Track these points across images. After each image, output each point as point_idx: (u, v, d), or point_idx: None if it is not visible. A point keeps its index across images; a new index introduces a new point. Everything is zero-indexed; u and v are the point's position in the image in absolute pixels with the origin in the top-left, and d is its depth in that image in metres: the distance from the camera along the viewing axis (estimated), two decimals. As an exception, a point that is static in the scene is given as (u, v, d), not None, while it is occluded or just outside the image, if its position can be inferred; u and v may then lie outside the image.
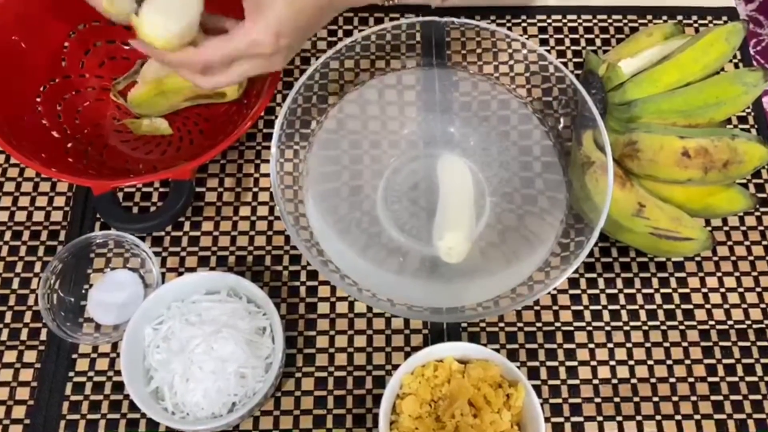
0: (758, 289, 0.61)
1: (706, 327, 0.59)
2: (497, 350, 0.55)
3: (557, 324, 0.59)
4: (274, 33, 0.50)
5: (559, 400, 0.56)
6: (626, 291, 0.60)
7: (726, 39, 0.57)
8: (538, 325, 0.59)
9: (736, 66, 0.71)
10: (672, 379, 0.57)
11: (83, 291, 0.59)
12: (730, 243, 0.62)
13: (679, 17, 0.73)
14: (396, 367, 0.53)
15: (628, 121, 0.57)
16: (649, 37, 0.61)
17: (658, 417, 0.56)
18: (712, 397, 0.57)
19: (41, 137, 0.61)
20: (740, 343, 0.59)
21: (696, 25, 0.73)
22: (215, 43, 0.51)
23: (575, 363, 0.58)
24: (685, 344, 0.58)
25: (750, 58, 0.71)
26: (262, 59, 0.52)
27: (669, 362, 0.58)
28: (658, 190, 0.56)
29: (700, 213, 0.57)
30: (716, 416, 0.56)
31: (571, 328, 0.59)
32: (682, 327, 0.59)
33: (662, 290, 0.60)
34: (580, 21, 0.73)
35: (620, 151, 0.56)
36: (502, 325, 0.59)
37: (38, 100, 0.63)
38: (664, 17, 0.73)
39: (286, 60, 0.54)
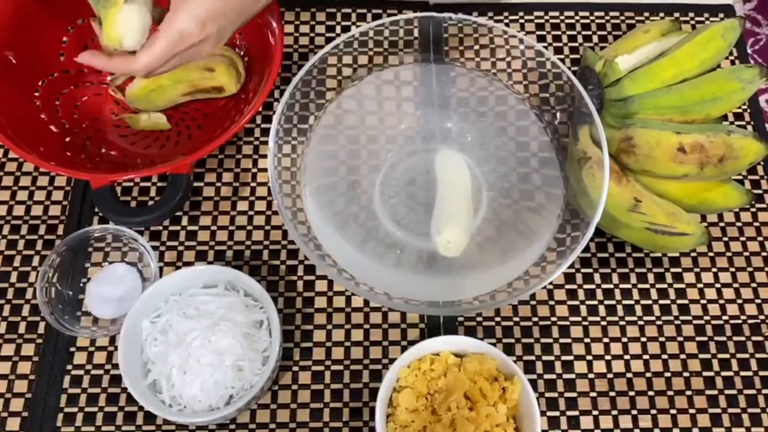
0: (753, 285, 0.61)
1: (702, 322, 0.59)
2: (494, 344, 0.56)
3: (553, 319, 0.59)
4: (199, 21, 0.50)
5: (555, 394, 0.57)
6: (622, 286, 0.61)
7: (722, 35, 0.57)
8: (535, 319, 0.59)
9: (733, 63, 0.71)
10: (667, 374, 0.57)
11: (81, 285, 0.60)
12: (725, 239, 0.63)
13: (676, 14, 0.73)
14: (393, 361, 0.53)
15: (624, 116, 0.57)
16: (646, 34, 0.61)
17: (654, 411, 0.56)
18: (707, 392, 0.57)
19: (39, 131, 0.61)
20: (735, 338, 0.59)
21: (693, 22, 0.73)
22: (150, 50, 0.50)
23: (571, 357, 0.58)
24: (680, 339, 0.59)
25: (746, 55, 0.71)
26: (193, 48, 0.52)
27: (664, 357, 0.58)
28: (654, 186, 0.56)
29: (696, 208, 0.58)
30: (711, 410, 0.56)
31: (567, 323, 0.59)
32: (677, 322, 0.59)
33: (658, 285, 0.61)
34: (577, 18, 0.73)
35: (616, 146, 0.56)
36: (498, 319, 0.59)
37: (36, 94, 0.63)
38: (661, 14, 0.73)
39: (217, 45, 0.53)
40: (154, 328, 0.54)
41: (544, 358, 0.58)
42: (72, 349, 0.57)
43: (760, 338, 0.59)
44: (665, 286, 0.61)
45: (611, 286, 0.61)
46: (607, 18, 0.73)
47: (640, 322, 0.59)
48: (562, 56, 0.71)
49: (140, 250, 0.59)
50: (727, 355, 0.58)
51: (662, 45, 0.60)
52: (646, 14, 0.73)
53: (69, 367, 0.57)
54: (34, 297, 0.58)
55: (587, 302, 0.60)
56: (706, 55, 0.57)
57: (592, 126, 0.55)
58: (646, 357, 0.58)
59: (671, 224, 0.55)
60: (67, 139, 0.63)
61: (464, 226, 0.58)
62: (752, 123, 0.68)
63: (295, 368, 0.57)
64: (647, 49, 0.60)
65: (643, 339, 0.59)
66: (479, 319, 0.59)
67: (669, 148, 0.54)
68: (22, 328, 0.58)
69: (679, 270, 0.61)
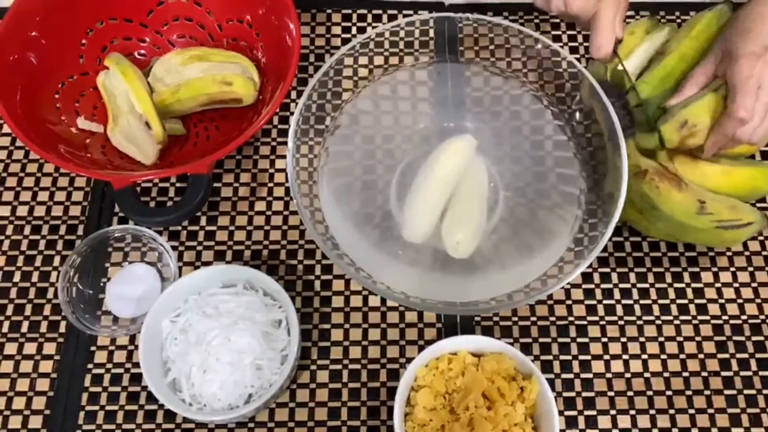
0: (772, 284, 0.61)
1: (720, 322, 0.59)
2: (511, 344, 0.55)
3: (570, 318, 0.59)
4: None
5: (573, 394, 0.57)
6: (639, 286, 0.60)
7: (717, 23, 0.58)
8: (552, 319, 0.59)
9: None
10: (685, 374, 0.57)
11: (101, 284, 0.60)
12: (743, 238, 0.62)
13: (662, 12, 0.73)
14: (410, 360, 0.53)
15: (649, 120, 0.57)
16: (632, 36, 0.61)
17: (672, 411, 0.56)
18: (726, 392, 0.57)
19: (60, 132, 0.62)
20: (754, 338, 0.59)
21: (679, 21, 0.72)
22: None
23: (588, 357, 0.58)
24: (698, 339, 0.59)
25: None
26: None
27: (682, 356, 0.58)
28: (705, 183, 0.56)
29: (748, 198, 0.57)
30: (730, 410, 0.56)
31: (585, 323, 0.59)
32: (695, 322, 0.59)
33: (676, 285, 0.60)
34: (593, 17, 0.73)
35: (677, 139, 0.55)
36: (515, 319, 0.59)
37: (57, 96, 0.64)
38: (647, 13, 0.73)
39: None
40: (173, 327, 0.54)
41: (562, 357, 0.58)
42: (93, 348, 0.58)
43: (780, 338, 0.59)
44: (683, 285, 0.61)
45: (629, 286, 0.60)
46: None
47: (658, 322, 0.59)
48: (578, 56, 0.71)
49: (159, 250, 0.60)
50: (746, 355, 0.58)
51: (652, 44, 0.60)
52: (631, 13, 0.72)
53: (90, 365, 0.57)
54: (56, 296, 0.59)
55: (604, 302, 0.60)
56: (706, 45, 0.58)
57: (633, 139, 0.55)
58: (663, 357, 0.58)
59: (737, 217, 0.55)
60: (87, 141, 0.64)
61: (475, 228, 0.58)
62: None
63: (313, 367, 0.57)
64: (641, 50, 0.60)
65: (661, 339, 0.59)
66: (496, 318, 0.59)
67: (718, 106, 0.53)
68: (43, 327, 0.59)
69: (696, 269, 0.61)
